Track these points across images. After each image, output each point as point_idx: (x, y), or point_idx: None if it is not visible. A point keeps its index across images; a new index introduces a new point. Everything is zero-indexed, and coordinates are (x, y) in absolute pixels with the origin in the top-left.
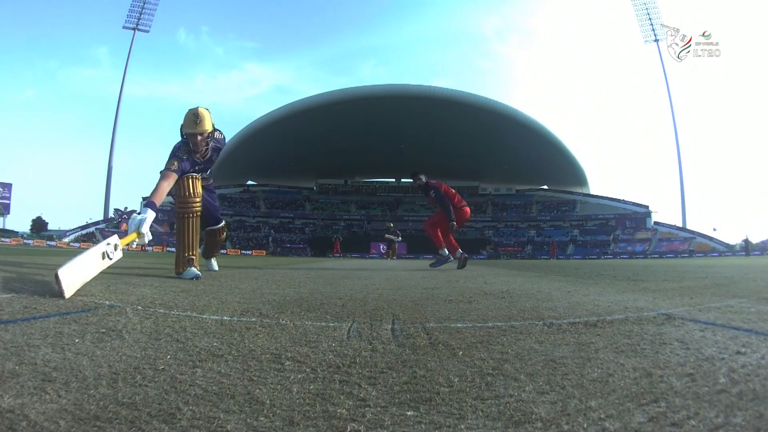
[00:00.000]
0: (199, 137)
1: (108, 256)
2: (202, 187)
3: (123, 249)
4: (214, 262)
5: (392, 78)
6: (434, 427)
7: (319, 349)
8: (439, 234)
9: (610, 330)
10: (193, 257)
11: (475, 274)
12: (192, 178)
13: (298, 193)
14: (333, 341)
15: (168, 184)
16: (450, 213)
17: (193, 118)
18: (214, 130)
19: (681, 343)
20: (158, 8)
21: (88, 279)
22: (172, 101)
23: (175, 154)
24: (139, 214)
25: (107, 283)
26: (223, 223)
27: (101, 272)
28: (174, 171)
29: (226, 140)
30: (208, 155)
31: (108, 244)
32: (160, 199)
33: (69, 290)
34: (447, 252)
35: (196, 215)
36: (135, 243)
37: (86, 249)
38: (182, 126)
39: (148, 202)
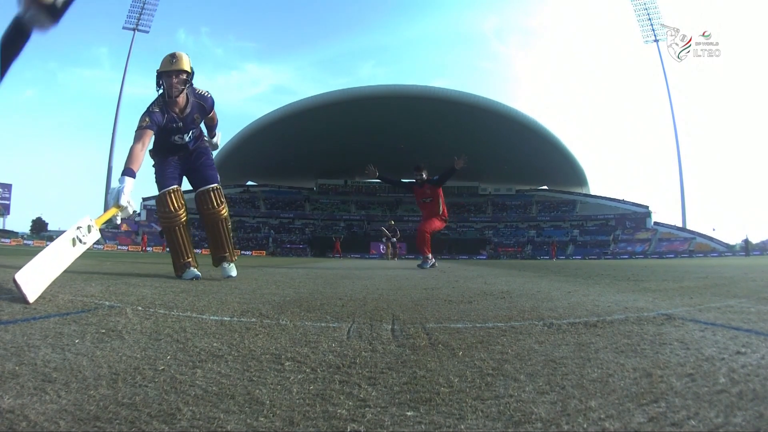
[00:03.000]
0: (175, 79)
1: (80, 240)
2: (191, 151)
3: (119, 220)
4: (228, 267)
5: (392, 78)
6: (434, 427)
7: (319, 350)
8: (428, 241)
9: (610, 330)
10: (190, 260)
11: (475, 274)
12: (169, 193)
13: (298, 193)
14: (333, 342)
15: (142, 145)
16: (452, 172)
17: (170, 58)
18: (193, 76)
19: (681, 343)
20: (158, 9)
21: (58, 273)
22: None
23: (146, 109)
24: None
25: (107, 284)
26: (215, 184)
27: (91, 265)
28: (146, 127)
29: (226, 141)
30: (188, 111)
31: (79, 227)
32: (138, 163)
33: (32, 294)
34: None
35: (183, 225)
36: (118, 217)
37: (51, 242)
38: (158, 70)
39: (124, 170)
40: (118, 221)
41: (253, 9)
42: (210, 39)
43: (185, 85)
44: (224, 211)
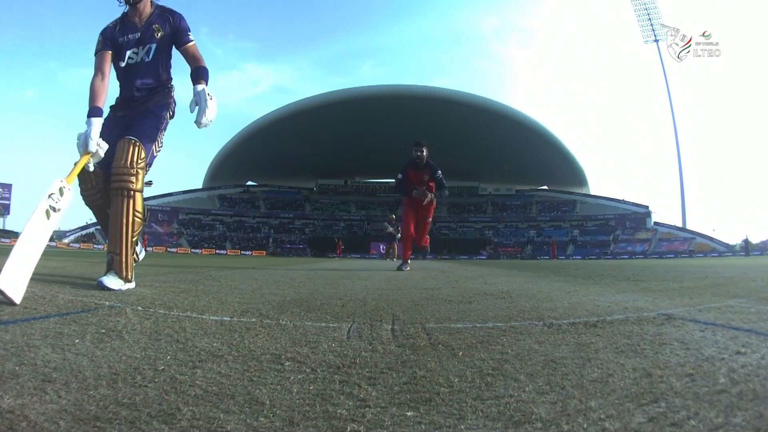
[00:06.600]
0: None
1: (53, 209)
2: (143, 99)
3: (91, 167)
4: (107, 277)
5: (392, 78)
6: (434, 427)
7: (319, 350)
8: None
9: (610, 330)
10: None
11: (475, 274)
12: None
13: (298, 193)
14: (333, 342)
15: (102, 75)
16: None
17: None
18: None
19: (681, 343)
20: None
21: (38, 256)
22: None
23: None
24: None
25: None
26: (139, 140)
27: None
28: (102, 49)
29: (226, 141)
30: (150, 19)
31: (51, 195)
32: (101, 98)
33: (17, 295)
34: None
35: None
36: (91, 165)
37: (22, 230)
38: None
39: (88, 111)
40: (91, 168)
41: (252, 9)
42: (209, 39)
43: None
44: (136, 183)
